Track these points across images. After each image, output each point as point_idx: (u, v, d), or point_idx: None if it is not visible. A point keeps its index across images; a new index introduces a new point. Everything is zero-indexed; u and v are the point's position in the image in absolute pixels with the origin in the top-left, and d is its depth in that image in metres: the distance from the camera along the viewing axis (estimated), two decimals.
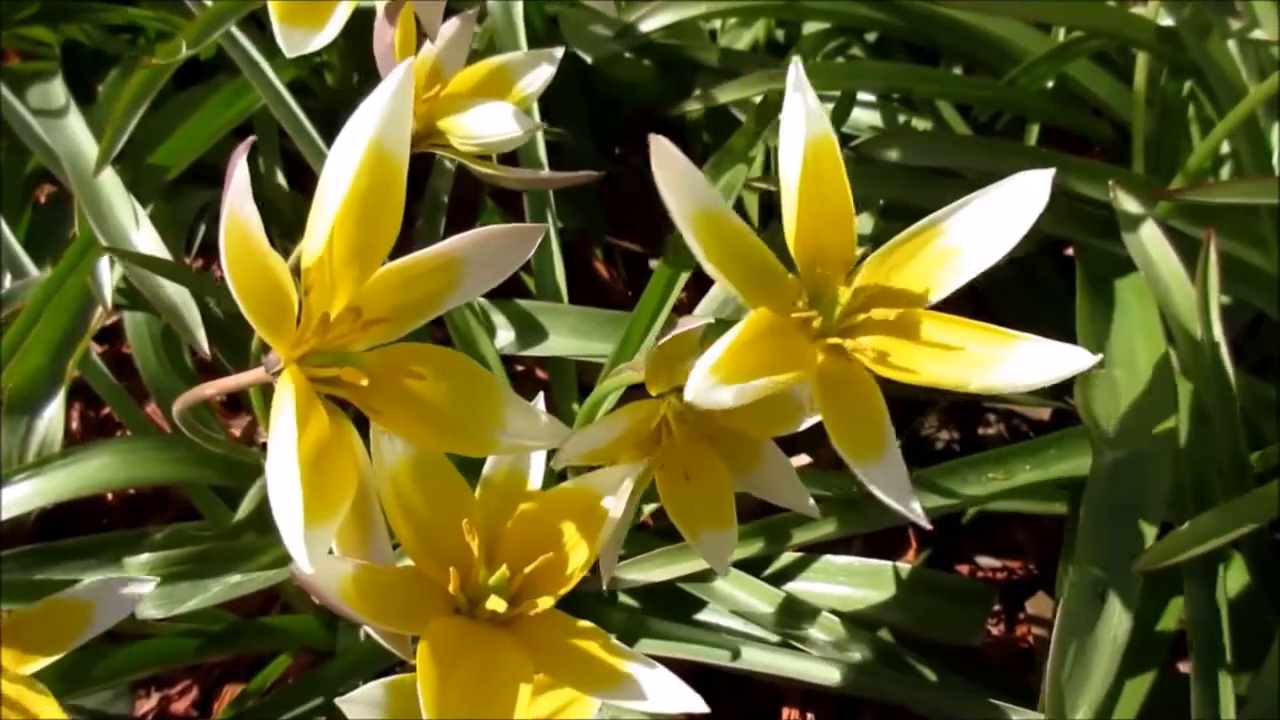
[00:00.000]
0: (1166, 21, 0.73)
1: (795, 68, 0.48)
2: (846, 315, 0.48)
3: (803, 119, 0.47)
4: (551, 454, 0.51)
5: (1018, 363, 0.45)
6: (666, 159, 0.45)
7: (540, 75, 0.62)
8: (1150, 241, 0.66)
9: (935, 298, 0.48)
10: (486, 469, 0.52)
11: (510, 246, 0.47)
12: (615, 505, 0.50)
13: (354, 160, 0.43)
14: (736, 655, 0.62)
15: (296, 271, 0.44)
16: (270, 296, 0.43)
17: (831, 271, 0.48)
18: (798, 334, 0.47)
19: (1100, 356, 0.45)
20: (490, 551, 0.49)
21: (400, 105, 0.44)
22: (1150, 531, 0.58)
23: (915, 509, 0.46)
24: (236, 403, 0.83)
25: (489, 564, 0.48)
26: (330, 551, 0.44)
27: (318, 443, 0.42)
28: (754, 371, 0.44)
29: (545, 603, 0.47)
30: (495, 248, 0.46)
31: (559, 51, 0.61)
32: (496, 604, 0.47)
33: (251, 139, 0.44)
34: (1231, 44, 0.73)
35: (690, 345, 0.51)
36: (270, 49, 0.76)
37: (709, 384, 0.43)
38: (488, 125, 0.57)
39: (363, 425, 0.47)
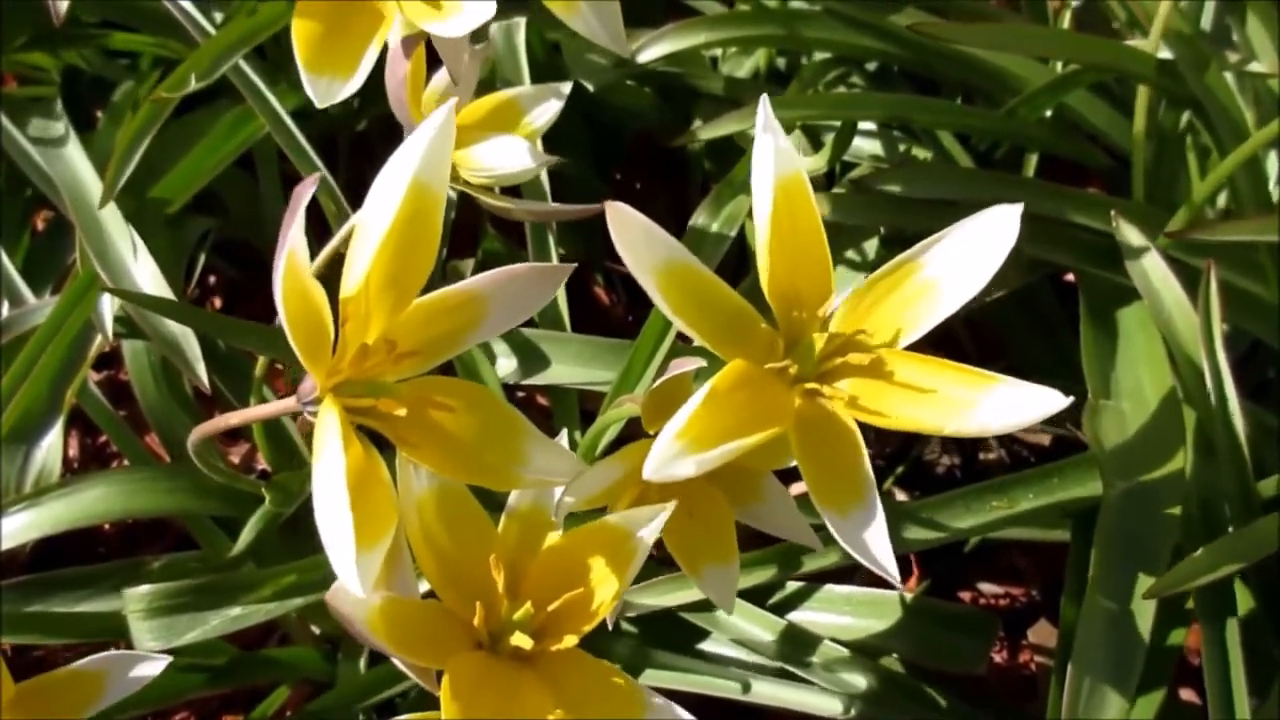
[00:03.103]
0: (1165, 54, 0.73)
1: (764, 108, 0.47)
2: (823, 359, 0.48)
3: (772, 160, 0.47)
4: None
5: (993, 405, 0.45)
6: (623, 221, 0.45)
7: (548, 110, 0.62)
8: (1153, 271, 0.66)
9: (914, 335, 0.48)
10: (511, 501, 0.52)
11: (534, 285, 0.47)
12: (644, 545, 0.49)
13: (396, 197, 0.44)
14: (747, 688, 0.62)
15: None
16: (312, 326, 0.44)
17: (808, 314, 0.48)
18: (774, 382, 0.47)
19: (1071, 400, 0.45)
20: (514, 586, 0.49)
21: (442, 145, 0.45)
22: (1162, 562, 0.59)
23: (890, 568, 0.45)
24: (235, 430, 0.82)
25: (512, 598, 0.49)
26: None
27: (357, 471, 0.43)
28: (727, 430, 0.44)
29: (569, 641, 0.48)
30: (519, 287, 0.47)
31: (566, 86, 0.62)
32: (522, 640, 0.47)
33: (316, 177, 0.45)
34: (1229, 74, 0.74)
35: (687, 383, 0.51)
36: (272, 76, 0.76)
37: (672, 452, 0.43)
38: (500, 159, 0.57)
39: (387, 456, 0.47)
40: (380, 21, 0.52)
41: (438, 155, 0.45)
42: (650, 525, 0.49)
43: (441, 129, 0.45)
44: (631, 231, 0.45)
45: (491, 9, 0.50)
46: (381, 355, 0.45)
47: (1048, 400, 0.45)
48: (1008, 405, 0.45)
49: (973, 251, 0.48)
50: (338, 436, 0.42)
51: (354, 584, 0.39)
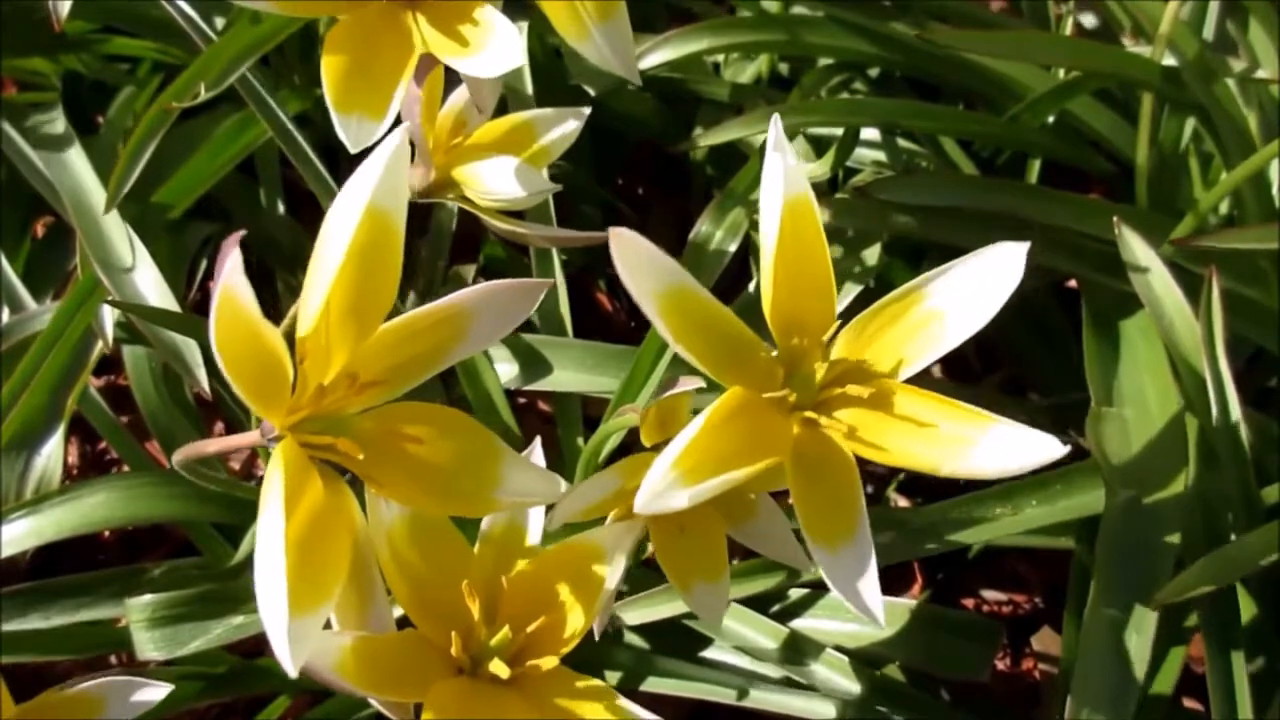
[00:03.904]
0: (1169, 61, 0.73)
1: (775, 126, 0.47)
2: (823, 389, 0.47)
3: (781, 180, 0.47)
4: (549, 508, 0.50)
5: (990, 448, 0.45)
6: (626, 246, 0.45)
7: (564, 132, 0.61)
8: (1155, 279, 0.66)
9: (915, 368, 0.48)
10: (485, 523, 0.52)
11: (516, 300, 0.46)
12: (617, 563, 0.49)
13: (350, 226, 0.43)
14: (743, 694, 0.62)
15: (290, 335, 0.44)
16: (263, 368, 0.42)
17: (809, 340, 0.47)
18: (772, 410, 0.47)
19: (1067, 449, 0.45)
20: (490, 608, 0.48)
21: (397, 169, 0.44)
22: (1165, 570, 0.59)
23: (875, 609, 0.44)
24: (233, 432, 0.82)
25: (489, 622, 0.48)
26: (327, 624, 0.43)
27: (311, 517, 0.42)
28: (723, 459, 0.44)
29: (549, 662, 0.47)
30: (501, 301, 0.46)
31: (584, 112, 0.61)
32: (499, 669, 0.46)
33: (240, 233, 0.43)
34: (1232, 80, 0.74)
35: (687, 398, 0.51)
36: (275, 82, 0.76)
37: (666, 484, 0.42)
38: (504, 184, 0.56)
39: (359, 479, 0.47)
40: (410, 54, 0.50)
41: (393, 180, 0.43)
42: (624, 541, 0.49)
43: (395, 153, 0.44)
44: (634, 256, 0.45)
45: (521, 56, 0.49)
46: (342, 390, 0.44)
47: (1045, 447, 0.45)
48: (1005, 449, 0.45)
49: (978, 286, 0.48)
50: (280, 497, 0.40)
51: (285, 660, 0.38)
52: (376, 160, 0.44)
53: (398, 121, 0.53)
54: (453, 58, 0.51)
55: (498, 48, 0.50)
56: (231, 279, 0.41)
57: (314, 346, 0.43)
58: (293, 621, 0.39)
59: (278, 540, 0.40)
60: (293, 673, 0.39)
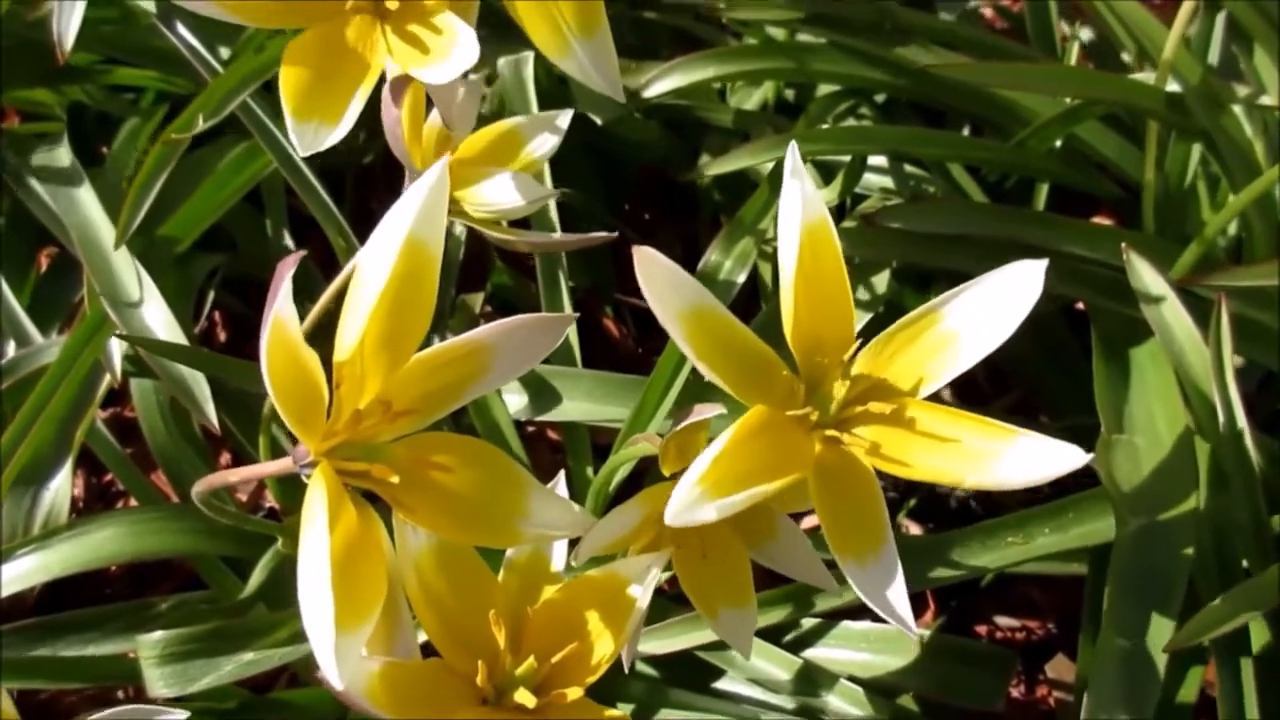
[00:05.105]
0: (1174, 87, 0.74)
1: (792, 154, 0.48)
2: (844, 406, 0.48)
3: (799, 206, 0.47)
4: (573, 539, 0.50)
5: (1014, 460, 0.46)
6: (650, 266, 0.45)
7: (550, 138, 0.61)
8: (1164, 305, 0.66)
9: (933, 386, 0.48)
10: (510, 553, 0.52)
11: (539, 335, 0.47)
12: (643, 595, 0.49)
13: (391, 256, 0.44)
14: None
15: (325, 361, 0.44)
16: (304, 392, 0.43)
17: (830, 360, 0.48)
18: (795, 428, 0.47)
19: (1089, 457, 0.45)
20: (516, 638, 0.48)
21: (437, 201, 0.44)
22: (1178, 596, 0.58)
23: (906, 617, 0.45)
24: (240, 464, 0.81)
25: (515, 651, 0.48)
26: None
27: (347, 542, 0.42)
28: (747, 475, 0.44)
29: (574, 693, 0.47)
30: (524, 336, 0.46)
31: (568, 114, 0.61)
32: (525, 698, 0.46)
33: (302, 253, 0.44)
34: (1238, 105, 0.74)
35: (705, 428, 0.51)
36: (278, 111, 0.76)
37: (693, 497, 0.43)
38: (503, 194, 0.56)
39: (384, 507, 0.47)
40: (369, 69, 0.51)
41: (433, 211, 0.44)
42: (650, 573, 0.49)
43: (436, 185, 0.44)
44: (658, 277, 0.45)
45: (475, 54, 0.49)
46: (377, 417, 0.44)
47: (1069, 457, 0.45)
48: (1029, 460, 0.46)
49: (995, 305, 0.48)
50: (324, 515, 0.41)
51: (332, 675, 0.39)
52: (417, 191, 0.44)
53: (376, 127, 0.53)
54: (416, 67, 0.51)
55: (458, 53, 0.50)
56: (282, 307, 0.42)
57: (350, 373, 0.44)
58: (338, 638, 0.39)
59: (323, 558, 0.40)
60: (340, 687, 0.39)
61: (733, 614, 0.54)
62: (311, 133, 0.49)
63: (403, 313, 0.44)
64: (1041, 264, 0.48)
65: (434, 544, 0.48)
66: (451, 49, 0.50)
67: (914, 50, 0.78)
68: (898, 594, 0.45)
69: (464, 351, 0.46)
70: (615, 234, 0.61)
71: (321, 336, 0.47)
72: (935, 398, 0.49)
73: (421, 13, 0.51)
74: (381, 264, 0.43)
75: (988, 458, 0.46)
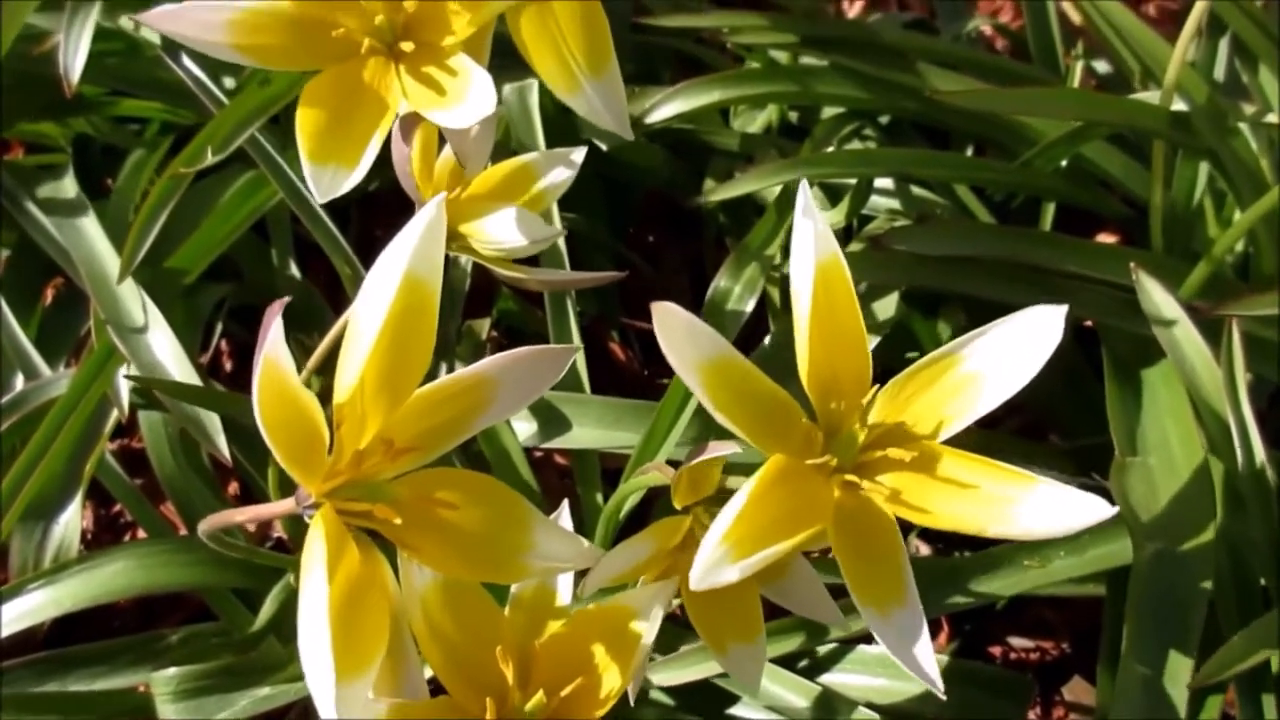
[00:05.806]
0: (1179, 106, 0.74)
1: (804, 192, 0.47)
2: (863, 451, 0.47)
3: (812, 245, 0.47)
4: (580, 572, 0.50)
5: (1035, 508, 0.45)
6: (667, 318, 0.45)
7: (562, 175, 0.61)
8: (1176, 326, 0.66)
9: (952, 430, 0.48)
10: (515, 587, 0.51)
11: (542, 367, 0.46)
12: (649, 628, 0.49)
13: (389, 294, 0.43)
14: None
15: (323, 398, 0.44)
16: (300, 434, 0.42)
17: (847, 403, 0.47)
18: (814, 476, 0.47)
19: (1114, 511, 0.45)
20: (523, 673, 0.48)
21: (434, 237, 0.44)
22: (1198, 620, 0.58)
23: (932, 673, 0.45)
24: (249, 495, 0.81)
25: (523, 686, 0.48)
26: None
27: (350, 585, 0.42)
28: (769, 528, 0.44)
29: None
30: (526, 369, 0.46)
31: (581, 151, 0.61)
32: None
33: (285, 300, 0.43)
34: (1244, 123, 0.74)
35: (720, 461, 0.50)
36: (284, 142, 0.76)
37: (717, 558, 0.43)
38: (508, 233, 0.56)
39: (389, 543, 0.46)
40: (385, 111, 0.51)
41: (430, 248, 0.44)
42: (656, 607, 0.49)
43: (433, 222, 0.44)
44: (675, 329, 0.45)
45: (493, 101, 0.49)
46: (379, 455, 0.44)
47: (1090, 509, 0.45)
48: (1050, 510, 0.45)
49: (1015, 349, 0.48)
50: (322, 567, 0.40)
51: None
52: (414, 228, 0.44)
53: (382, 155, 0.53)
54: (431, 110, 0.51)
55: (475, 98, 0.50)
56: (274, 349, 0.41)
57: (350, 413, 0.43)
58: (339, 689, 0.39)
59: (321, 608, 0.40)
60: None
61: (741, 649, 0.53)
62: (329, 177, 0.49)
63: (402, 350, 0.43)
64: (1062, 309, 0.48)
65: (440, 581, 0.47)
66: (466, 91, 0.50)
67: (919, 73, 0.78)
68: (924, 649, 0.45)
69: (466, 385, 0.45)
70: (625, 273, 0.61)
71: (331, 370, 0.47)
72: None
73: (436, 54, 0.51)
74: (379, 303, 0.43)
75: (1008, 505, 0.45)
